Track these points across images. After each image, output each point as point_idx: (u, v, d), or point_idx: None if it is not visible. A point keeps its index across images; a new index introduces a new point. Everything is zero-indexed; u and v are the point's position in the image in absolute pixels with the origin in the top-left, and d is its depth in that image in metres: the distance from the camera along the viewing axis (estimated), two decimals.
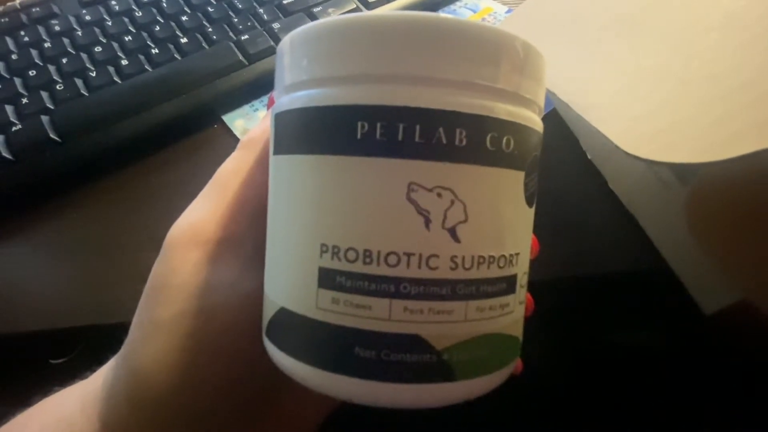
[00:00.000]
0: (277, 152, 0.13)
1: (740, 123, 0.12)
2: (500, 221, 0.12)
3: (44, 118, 0.28)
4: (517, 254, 0.12)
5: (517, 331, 0.13)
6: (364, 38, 0.11)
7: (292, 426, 0.16)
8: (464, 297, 0.11)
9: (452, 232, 0.11)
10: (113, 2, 0.34)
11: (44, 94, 0.29)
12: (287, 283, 0.12)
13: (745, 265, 0.17)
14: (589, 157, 0.27)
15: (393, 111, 0.11)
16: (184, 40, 0.32)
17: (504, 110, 0.11)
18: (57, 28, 0.32)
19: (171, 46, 0.31)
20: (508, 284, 0.12)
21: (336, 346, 0.11)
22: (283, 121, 0.13)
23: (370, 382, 0.11)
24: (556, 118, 0.28)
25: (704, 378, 0.25)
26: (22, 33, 0.32)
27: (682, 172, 0.18)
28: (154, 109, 0.29)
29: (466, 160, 0.11)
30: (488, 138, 0.11)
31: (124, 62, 0.30)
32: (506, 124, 0.11)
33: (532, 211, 0.13)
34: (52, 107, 0.29)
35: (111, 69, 0.30)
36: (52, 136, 0.28)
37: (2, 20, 0.33)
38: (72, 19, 0.33)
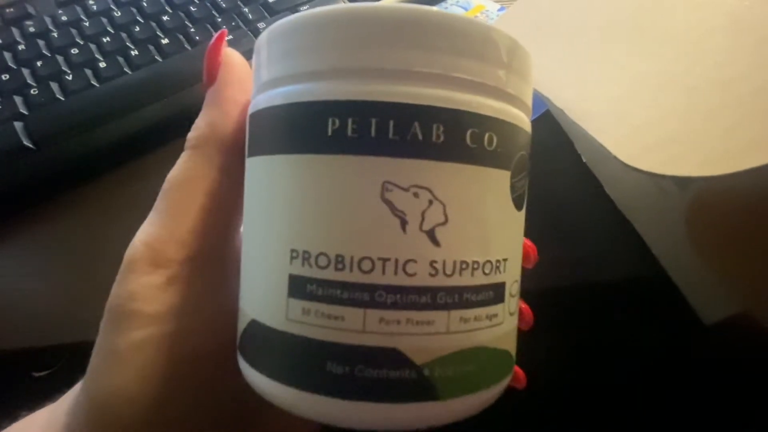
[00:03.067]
0: (251, 154, 0.12)
1: (754, 132, 0.11)
2: (484, 224, 0.11)
3: (18, 125, 0.27)
4: (505, 260, 0.12)
5: (509, 345, 0.12)
6: (334, 31, 0.11)
7: None
8: (446, 306, 0.10)
9: (431, 234, 0.10)
10: (91, 2, 0.33)
11: (18, 99, 0.28)
12: (257, 293, 0.11)
13: (746, 276, 0.17)
14: (584, 160, 0.26)
15: (365, 106, 0.10)
16: (165, 41, 0.31)
17: (485, 105, 0.11)
18: (32, 29, 0.31)
19: (152, 48, 0.30)
20: (495, 293, 0.11)
21: (307, 362, 0.10)
22: (256, 121, 0.12)
23: (344, 402, 0.10)
24: (549, 120, 0.27)
25: (703, 388, 0.24)
26: None
27: (683, 180, 0.17)
28: (134, 114, 0.28)
29: (444, 157, 0.10)
30: (468, 134, 0.10)
31: (102, 65, 0.29)
32: (488, 120, 0.11)
33: (522, 214, 0.12)
34: (26, 113, 0.27)
35: (88, 72, 0.29)
36: (26, 143, 0.26)
37: None
38: (47, 20, 0.31)
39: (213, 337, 0.13)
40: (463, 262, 0.11)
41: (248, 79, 0.14)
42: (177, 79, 0.29)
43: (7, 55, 0.30)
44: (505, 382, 0.12)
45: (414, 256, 0.10)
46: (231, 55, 0.15)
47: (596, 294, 0.23)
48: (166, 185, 0.14)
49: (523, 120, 0.12)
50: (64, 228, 0.26)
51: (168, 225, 0.14)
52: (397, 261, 0.10)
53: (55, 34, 0.31)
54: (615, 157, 0.14)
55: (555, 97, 0.17)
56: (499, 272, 0.11)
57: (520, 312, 0.17)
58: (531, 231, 0.15)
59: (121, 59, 0.30)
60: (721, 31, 0.14)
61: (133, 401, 0.13)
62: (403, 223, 0.10)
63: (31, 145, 0.26)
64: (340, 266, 0.10)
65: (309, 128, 0.11)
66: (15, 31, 0.31)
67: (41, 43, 0.30)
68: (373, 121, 0.10)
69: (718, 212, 0.16)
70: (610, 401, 0.26)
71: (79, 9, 0.32)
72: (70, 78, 0.29)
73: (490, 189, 0.11)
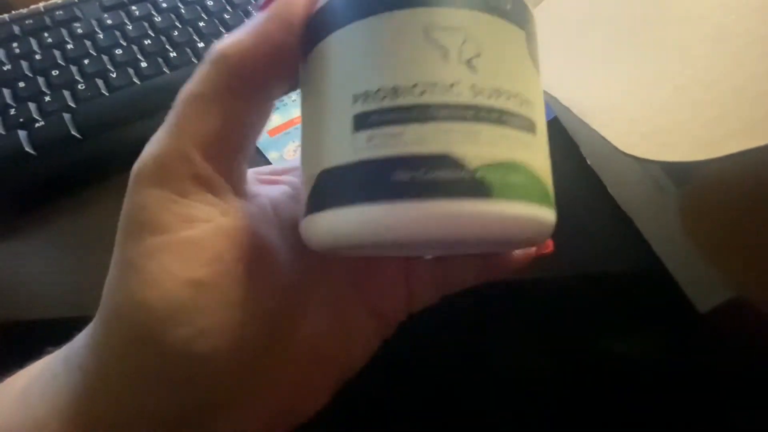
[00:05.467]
0: (318, 40, 0.14)
1: (731, 124, 0.13)
2: (510, 64, 0.13)
3: (66, 116, 0.29)
4: (531, 104, 0.13)
5: (547, 180, 0.13)
6: None
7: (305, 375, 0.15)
8: (489, 121, 0.12)
9: (469, 63, 0.12)
10: (134, 7, 0.35)
11: (66, 93, 0.30)
12: (323, 148, 0.13)
13: (736, 263, 0.18)
14: (589, 162, 0.28)
15: None
16: (201, 45, 0.33)
17: None
18: (79, 30, 0.33)
19: (188, 50, 0.33)
20: (529, 124, 0.13)
21: (376, 177, 0.12)
22: (323, 11, 0.14)
23: (410, 204, 0.12)
24: (557, 126, 0.29)
25: (700, 377, 0.25)
26: (46, 35, 0.33)
27: (677, 174, 0.19)
28: None
29: (473, 7, 0.12)
30: None
31: (144, 64, 0.32)
32: None
33: (540, 81, 0.14)
34: (73, 105, 0.30)
35: (131, 70, 0.31)
36: (73, 132, 0.29)
37: (27, 22, 0.34)
38: (94, 23, 0.34)
39: (231, 248, 0.13)
40: (497, 89, 0.12)
41: (295, 20, 0.14)
42: None
43: (57, 53, 0.32)
44: (548, 216, 0.13)
45: (457, 80, 0.12)
46: None
47: (599, 284, 0.25)
48: (178, 97, 0.14)
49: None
50: (104, 211, 0.28)
51: (175, 139, 0.13)
52: (443, 84, 0.12)
53: (101, 36, 0.33)
54: (614, 148, 0.15)
55: (562, 97, 0.19)
56: (530, 109, 0.13)
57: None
58: None
59: (160, 60, 0.32)
60: (709, 40, 0.16)
61: (149, 308, 0.12)
62: (445, 55, 0.12)
63: (77, 135, 0.29)
64: (396, 95, 0.12)
65: None
66: (64, 32, 0.33)
67: (88, 43, 0.33)
68: None
69: (710, 202, 0.18)
70: (609, 386, 0.27)
71: (122, 14, 0.35)
72: (114, 75, 0.31)
73: (510, 39, 0.13)
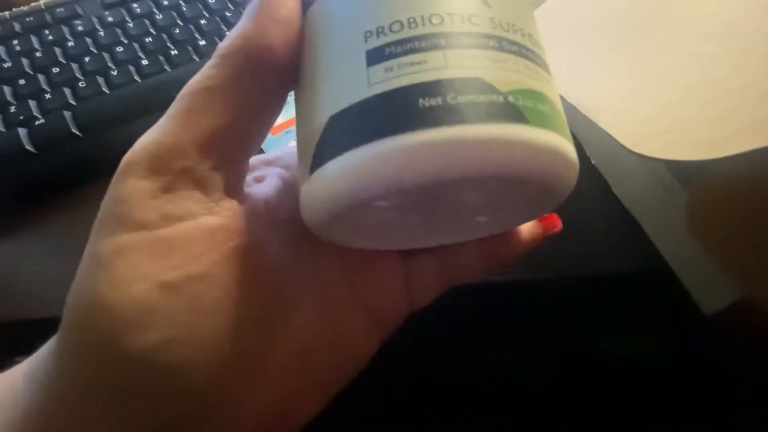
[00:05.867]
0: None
1: (738, 123, 0.13)
2: (519, 8, 0.12)
3: (66, 114, 0.29)
4: (543, 49, 0.13)
5: (566, 121, 0.13)
6: None
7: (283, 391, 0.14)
8: (513, 52, 0.12)
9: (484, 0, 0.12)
10: (135, 5, 0.35)
11: (67, 91, 0.30)
12: (331, 93, 0.12)
13: (743, 263, 0.18)
14: (593, 162, 0.27)
15: None
16: (202, 43, 0.33)
17: None
18: (80, 28, 0.33)
19: (189, 48, 0.33)
20: (544, 63, 0.12)
21: (399, 107, 0.11)
22: None
23: (442, 130, 0.10)
24: None
25: (702, 378, 0.25)
26: (47, 32, 0.33)
27: (683, 174, 0.19)
28: None
29: None
30: None
31: (145, 62, 0.32)
32: None
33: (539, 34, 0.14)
34: (74, 103, 0.30)
35: (132, 68, 0.31)
36: (73, 130, 0.28)
37: (27, 19, 0.34)
38: (95, 20, 0.34)
39: (212, 251, 0.12)
40: (513, 24, 0.12)
41: None
42: None
43: (58, 51, 0.32)
44: (575, 155, 0.12)
45: (474, 12, 0.12)
46: None
47: (603, 285, 0.24)
48: (183, 90, 0.13)
49: None
50: None
51: (172, 131, 0.13)
52: (462, 15, 0.11)
53: (102, 33, 0.33)
54: (621, 146, 0.15)
55: (568, 95, 0.19)
56: (541, 51, 0.13)
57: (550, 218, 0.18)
58: None
59: (161, 58, 0.32)
60: (716, 38, 0.16)
61: (112, 310, 0.11)
62: None
63: (78, 133, 0.29)
64: (413, 25, 0.11)
65: None
66: (65, 29, 0.33)
67: (89, 41, 0.33)
68: None
69: (716, 203, 0.18)
70: (611, 388, 0.27)
71: (123, 11, 0.35)
72: (115, 73, 0.31)
73: None
